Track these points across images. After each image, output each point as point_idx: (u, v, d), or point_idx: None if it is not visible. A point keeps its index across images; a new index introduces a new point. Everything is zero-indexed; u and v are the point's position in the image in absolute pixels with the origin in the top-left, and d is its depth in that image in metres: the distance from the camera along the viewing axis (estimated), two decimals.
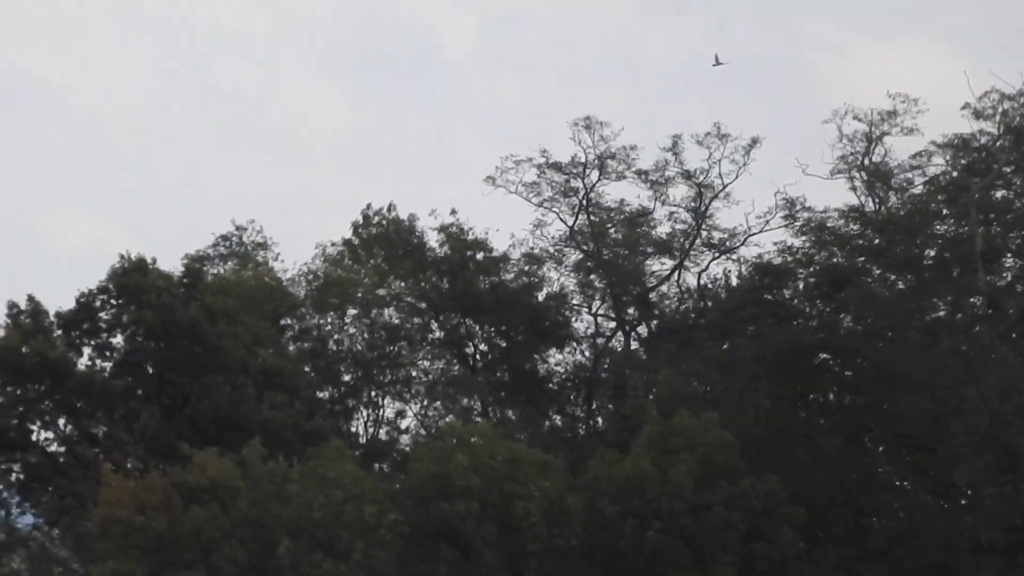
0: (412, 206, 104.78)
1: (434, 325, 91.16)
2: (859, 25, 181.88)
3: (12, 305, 76.46)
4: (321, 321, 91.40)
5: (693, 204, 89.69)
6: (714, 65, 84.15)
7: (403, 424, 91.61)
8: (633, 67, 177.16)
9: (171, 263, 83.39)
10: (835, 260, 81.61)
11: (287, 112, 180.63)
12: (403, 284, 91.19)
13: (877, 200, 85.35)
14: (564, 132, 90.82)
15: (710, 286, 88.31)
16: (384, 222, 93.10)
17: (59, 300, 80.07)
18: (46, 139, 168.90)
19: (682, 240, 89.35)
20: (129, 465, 68.95)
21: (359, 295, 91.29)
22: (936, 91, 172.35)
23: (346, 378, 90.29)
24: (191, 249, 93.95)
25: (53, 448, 75.77)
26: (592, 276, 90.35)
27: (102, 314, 76.88)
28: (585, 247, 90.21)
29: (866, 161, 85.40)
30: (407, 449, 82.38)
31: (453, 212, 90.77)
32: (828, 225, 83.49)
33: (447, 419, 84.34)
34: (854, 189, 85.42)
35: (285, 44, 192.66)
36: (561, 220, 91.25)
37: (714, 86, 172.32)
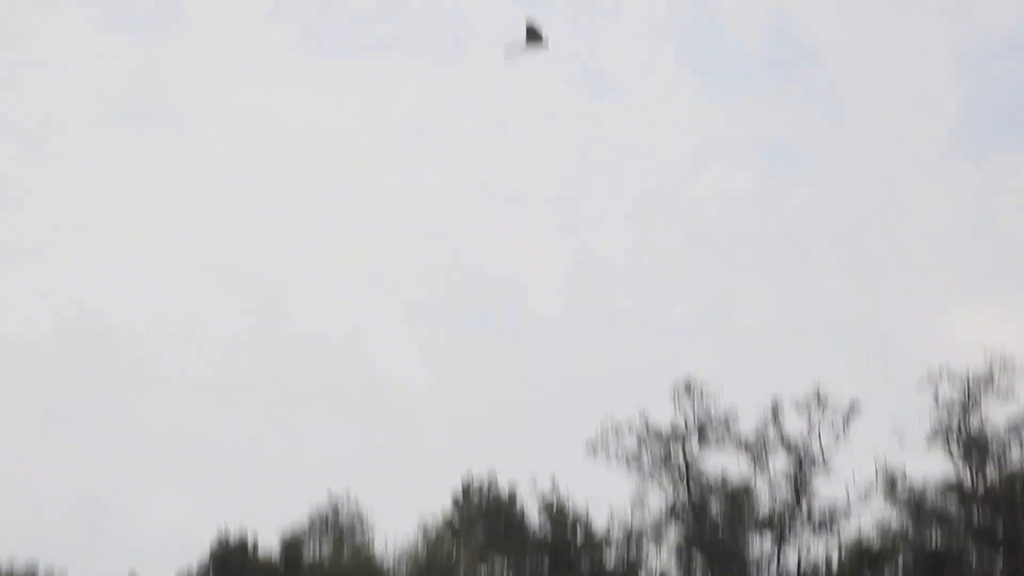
0: (508, 469, 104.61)
1: None
2: (950, 282, 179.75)
3: None
4: None
5: (793, 473, 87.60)
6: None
7: None
8: (726, 326, 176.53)
9: (264, 533, 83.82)
10: (934, 540, 79.30)
11: (372, 370, 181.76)
12: (504, 562, 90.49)
13: (974, 469, 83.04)
14: (663, 393, 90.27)
15: (810, 573, 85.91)
16: (485, 492, 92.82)
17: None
18: (134, 411, 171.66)
19: (784, 515, 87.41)
20: None
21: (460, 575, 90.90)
22: None
23: None
24: (284, 518, 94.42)
25: None
26: (693, 557, 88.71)
27: None
28: (686, 523, 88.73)
29: (962, 428, 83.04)
30: None
31: (553, 484, 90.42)
32: (927, 502, 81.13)
33: None
34: (951, 454, 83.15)
35: (368, 299, 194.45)
36: (662, 490, 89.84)
37: (808, 345, 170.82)
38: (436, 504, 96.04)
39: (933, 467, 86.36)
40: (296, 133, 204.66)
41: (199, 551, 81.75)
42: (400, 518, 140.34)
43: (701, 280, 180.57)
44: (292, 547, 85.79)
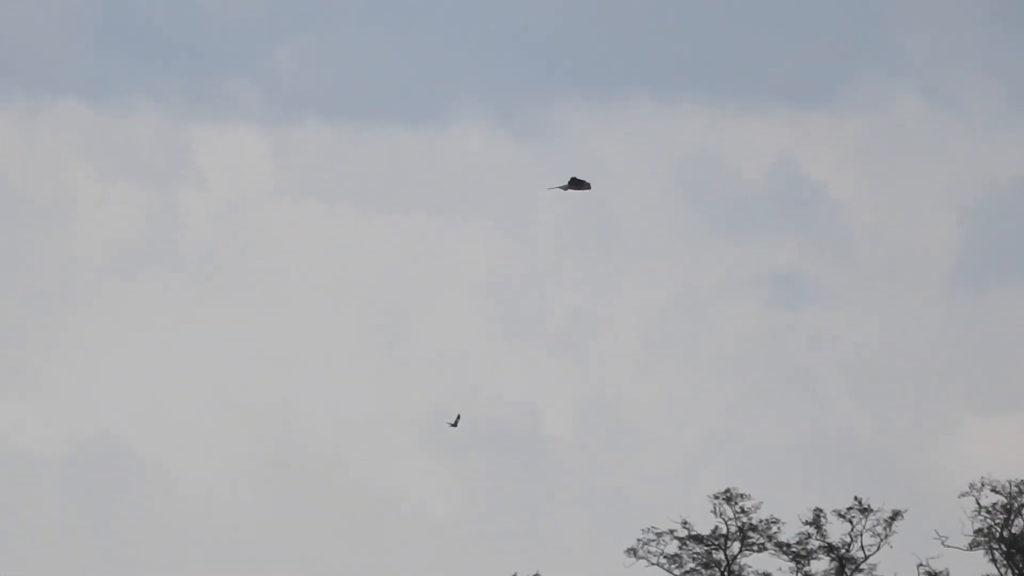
0: None
1: None
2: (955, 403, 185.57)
3: None
4: None
5: (835, 573, 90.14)
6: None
7: None
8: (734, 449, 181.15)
9: None
10: None
11: (392, 495, 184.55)
12: None
13: (1017, 572, 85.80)
14: (703, 505, 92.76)
15: None
16: None
17: None
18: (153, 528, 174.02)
19: None
20: None
21: None
22: None
23: None
24: None
25: None
26: None
27: None
28: None
29: (1005, 533, 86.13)
30: None
31: None
32: None
33: None
34: (994, 561, 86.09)
35: (386, 427, 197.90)
36: None
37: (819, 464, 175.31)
38: None
39: (974, 571, 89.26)
40: (309, 269, 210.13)
41: None
42: None
43: (709, 405, 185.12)
44: None
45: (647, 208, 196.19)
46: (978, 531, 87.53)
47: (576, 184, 50.22)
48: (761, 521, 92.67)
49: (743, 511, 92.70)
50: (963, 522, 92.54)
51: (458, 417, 79.68)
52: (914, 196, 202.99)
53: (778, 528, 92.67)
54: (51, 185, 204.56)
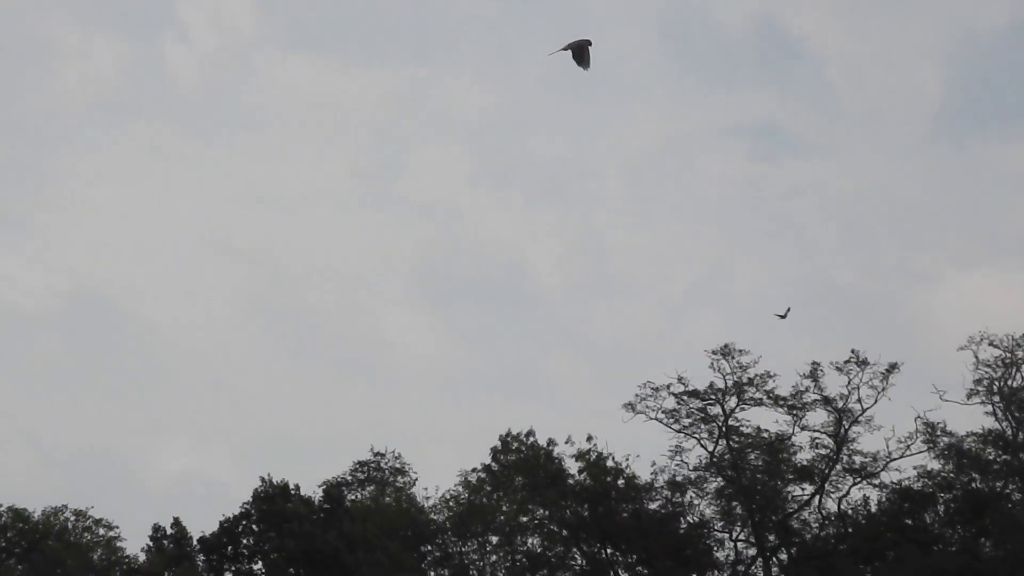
0: (543, 431, 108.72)
1: (576, 553, 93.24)
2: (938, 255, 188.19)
3: (157, 528, 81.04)
4: (463, 548, 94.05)
5: (832, 430, 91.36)
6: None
7: None
8: (723, 298, 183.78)
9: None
10: (974, 485, 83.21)
11: (380, 337, 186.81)
12: (544, 512, 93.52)
13: (1015, 424, 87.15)
14: (699, 360, 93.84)
15: (851, 512, 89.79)
16: (522, 448, 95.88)
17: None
18: (149, 371, 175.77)
19: (822, 466, 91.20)
20: None
21: (500, 520, 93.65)
22: None
23: None
24: (322, 471, 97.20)
25: None
26: (733, 503, 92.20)
27: (244, 540, 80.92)
28: (726, 474, 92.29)
29: (1003, 386, 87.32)
30: None
31: (590, 439, 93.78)
32: (966, 449, 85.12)
33: None
34: (993, 413, 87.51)
35: (371, 271, 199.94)
36: (701, 446, 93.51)
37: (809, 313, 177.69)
38: (472, 460, 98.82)
39: (973, 422, 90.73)
40: (293, 119, 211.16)
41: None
42: (432, 474, 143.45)
43: (695, 253, 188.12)
44: (334, 491, 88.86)
45: (629, 60, 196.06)
46: (977, 383, 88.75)
47: (577, 49, 49.63)
48: (757, 375, 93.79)
49: (740, 366, 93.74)
50: (964, 376, 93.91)
51: (788, 310, 79.53)
52: (895, 48, 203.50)
53: (775, 383, 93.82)
54: (31, 35, 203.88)
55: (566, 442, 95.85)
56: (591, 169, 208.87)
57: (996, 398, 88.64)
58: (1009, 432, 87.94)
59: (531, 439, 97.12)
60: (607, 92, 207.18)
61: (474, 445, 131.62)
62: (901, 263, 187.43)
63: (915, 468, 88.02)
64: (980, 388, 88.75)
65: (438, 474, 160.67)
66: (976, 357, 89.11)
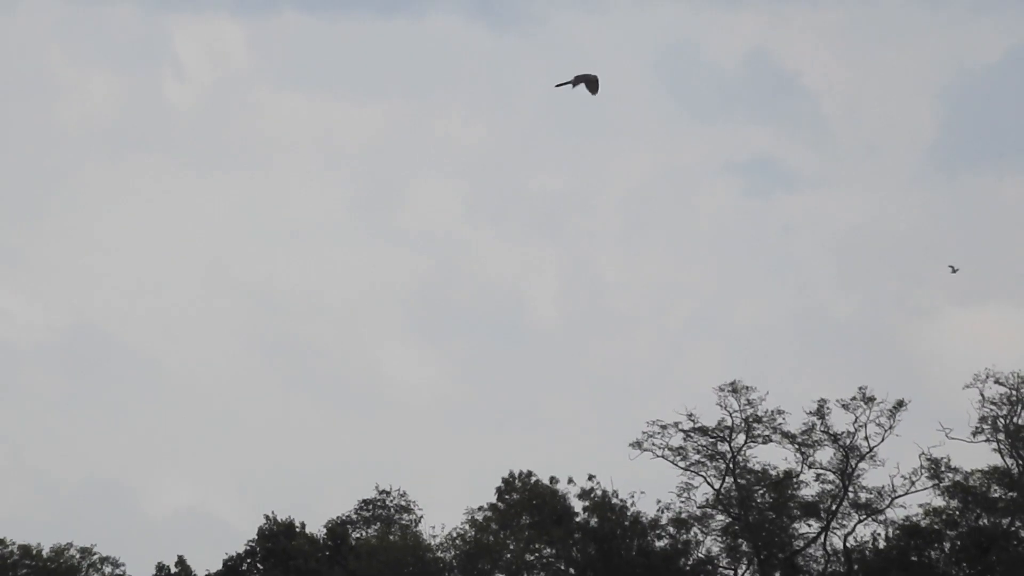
0: (545, 466, 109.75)
1: None
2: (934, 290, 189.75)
3: (161, 567, 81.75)
4: None
5: (839, 466, 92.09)
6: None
7: None
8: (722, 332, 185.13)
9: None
10: (981, 523, 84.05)
11: (378, 373, 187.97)
12: (551, 550, 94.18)
13: (1021, 461, 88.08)
14: (701, 396, 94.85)
15: (857, 549, 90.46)
16: (526, 487, 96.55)
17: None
18: (149, 406, 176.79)
19: (829, 502, 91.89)
20: None
21: (507, 559, 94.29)
22: None
23: None
24: (327, 508, 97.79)
25: None
26: (739, 540, 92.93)
27: None
28: (732, 511, 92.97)
29: (1009, 424, 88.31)
30: None
31: (591, 478, 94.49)
32: (972, 486, 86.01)
33: None
34: (999, 451, 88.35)
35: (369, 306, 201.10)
36: (708, 484, 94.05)
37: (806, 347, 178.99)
38: (476, 498, 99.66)
39: (979, 460, 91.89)
40: (290, 156, 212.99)
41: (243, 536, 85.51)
42: (434, 509, 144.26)
43: (694, 288, 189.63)
44: (338, 529, 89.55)
45: (626, 95, 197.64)
46: (982, 420, 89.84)
47: (584, 81, 50.68)
48: (766, 412, 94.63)
49: (749, 403, 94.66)
50: (969, 413, 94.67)
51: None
52: (890, 82, 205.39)
53: (783, 419, 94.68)
54: (29, 73, 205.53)
55: (569, 482, 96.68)
56: (588, 203, 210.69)
57: (1001, 435, 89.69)
58: (1015, 469, 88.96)
59: (534, 479, 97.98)
60: (604, 127, 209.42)
61: (476, 482, 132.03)
62: (899, 298, 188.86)
63: (920, 506, 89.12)
64: (985, 426, 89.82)
65: (440, 510, 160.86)
66: (982, 395, 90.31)
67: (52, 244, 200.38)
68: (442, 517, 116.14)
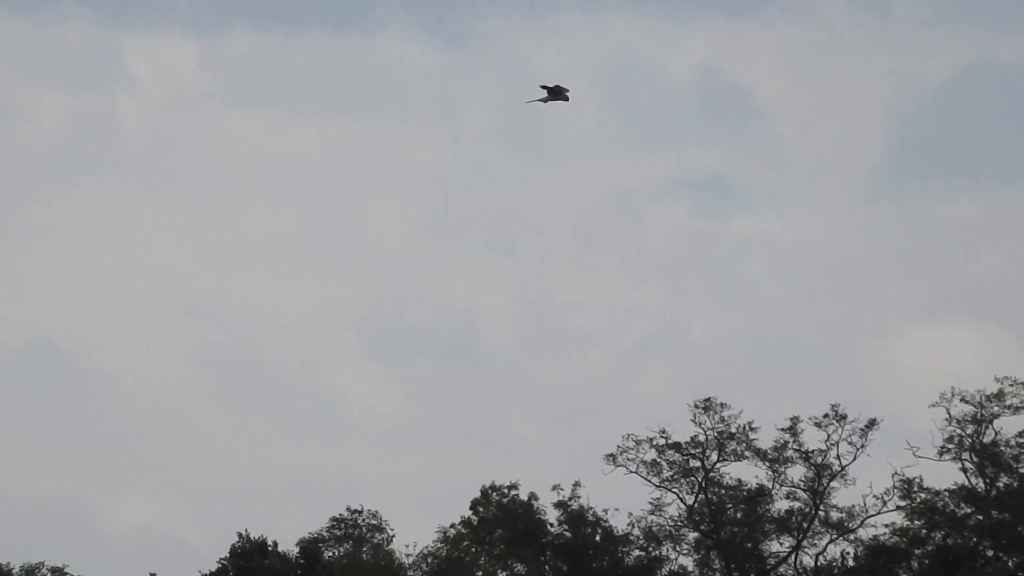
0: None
1: None
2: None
3: None
4: None
5: (811, 484, 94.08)
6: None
7: None
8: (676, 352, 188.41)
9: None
10: (948, 541, 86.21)
11: (333, 393, 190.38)
12: (522, 566, 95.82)
13: (988, 480, 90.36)
14: (669, 415, 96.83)
15: (827, 568, 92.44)
16: (503, 500, 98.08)
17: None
18: (105, 424, 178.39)
19: (800, 520, 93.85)
20: None
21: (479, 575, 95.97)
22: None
23: None
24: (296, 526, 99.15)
25: None
26: (711, 554, 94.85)
27: None
28: (704, 527, 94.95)
29: (976, 442, 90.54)
30: None
31: (576, 486, 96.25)
32: (940, 506, 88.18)
33: None
34: (964, 470, 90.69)
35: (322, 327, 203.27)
36: (680, 500, 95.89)
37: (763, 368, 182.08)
38: (440, 517, 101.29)
39: (948, 477, 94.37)
40: (243, 174, 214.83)
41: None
42: (402, 531, 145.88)
43: (647, 308, 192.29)
44: (311, 547, 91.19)
45: (575, 114, 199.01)
46: (948, 440, 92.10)
47: (554, 94, 52.33)
48: (739, 428, 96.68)
49: (722, 420, 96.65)
50: (933, 432, 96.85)
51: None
52: (840, 99, 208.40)
53: (756, 436, 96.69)
54: None
55: (553, 489, 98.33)
56: (540, 223, 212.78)
57: (967, 454, 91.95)
58: (982, 488, 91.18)
59: (513, 492, 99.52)
60: (554, 146, 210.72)
61: (438, 500, 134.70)
62: (852, 316, 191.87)
63: (886, 526, 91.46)
64: (950, 446, 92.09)
65: (406, 528, 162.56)
66: (949, 414, 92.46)
67: (4, 263, 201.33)
68: (408, 536, 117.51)
